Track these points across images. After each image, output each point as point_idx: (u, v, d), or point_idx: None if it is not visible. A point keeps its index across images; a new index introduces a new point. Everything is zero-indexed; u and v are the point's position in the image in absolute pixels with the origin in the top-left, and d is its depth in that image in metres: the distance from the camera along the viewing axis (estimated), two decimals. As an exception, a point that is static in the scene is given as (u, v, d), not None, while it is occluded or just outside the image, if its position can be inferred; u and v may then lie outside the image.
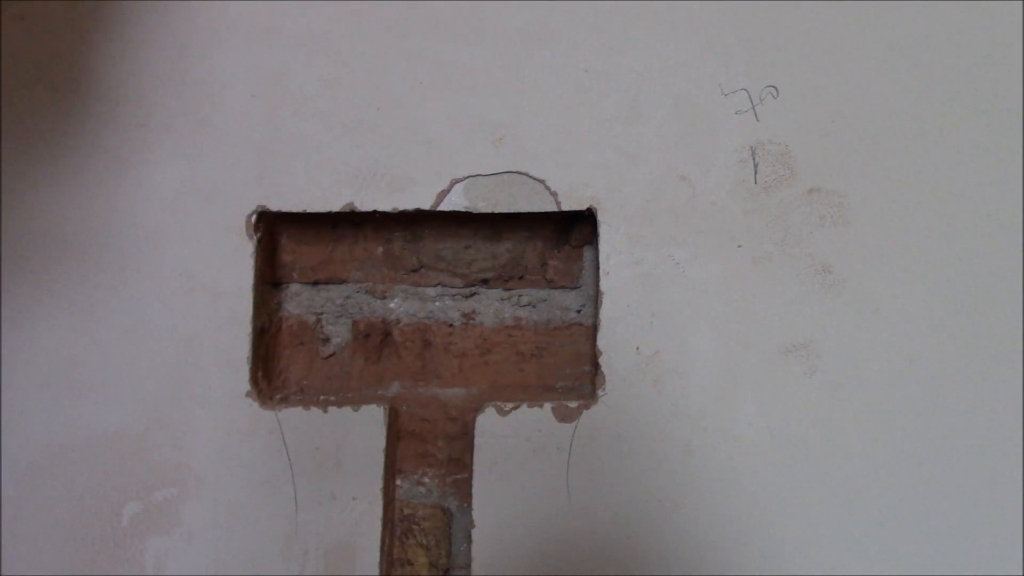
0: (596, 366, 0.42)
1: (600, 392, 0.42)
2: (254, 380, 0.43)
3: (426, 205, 0.43)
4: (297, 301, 0.46)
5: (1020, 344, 0.41)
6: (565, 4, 0.42)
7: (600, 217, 0.42)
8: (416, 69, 0.43)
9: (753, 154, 0.42)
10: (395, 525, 0.44)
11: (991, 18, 0.41)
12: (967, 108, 0.41)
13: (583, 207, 0.42)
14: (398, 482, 0.44)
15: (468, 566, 0.41)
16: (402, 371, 0.46)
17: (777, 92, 0.42)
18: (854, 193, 0.42)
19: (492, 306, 0.46)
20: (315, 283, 0.46)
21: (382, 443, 0.42)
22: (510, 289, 0.46)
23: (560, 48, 0.42)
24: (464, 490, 0.43)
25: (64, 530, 0.42)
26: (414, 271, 0.46)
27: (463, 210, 0.43)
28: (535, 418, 0.42)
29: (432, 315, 0.46)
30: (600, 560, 0.41)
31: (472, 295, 0.46)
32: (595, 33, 0.42)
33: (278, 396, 0.44)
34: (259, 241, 0.43)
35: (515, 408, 0.42)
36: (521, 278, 0.46)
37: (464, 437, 0.44)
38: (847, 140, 0.41)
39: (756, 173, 0.42)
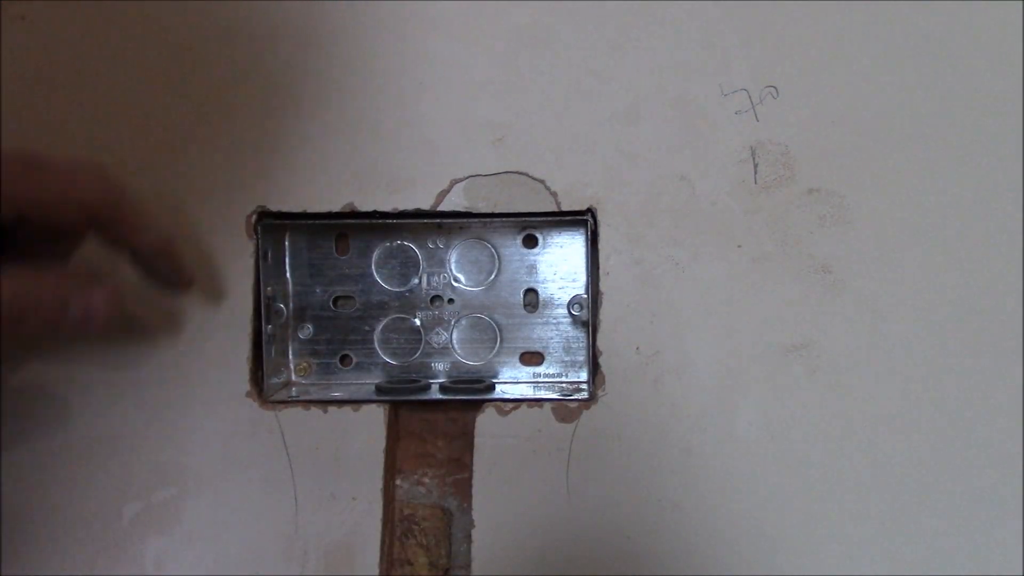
0: (596, 366, 0.42)
1: (600, 392, 0.42)
2: (254, 380, 0.43)
3: (426, 205, 0.43)
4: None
5: (1020, 344, 0.41)
6: (565, 4, 0.42)
7: (600, 217, 0.42)
8: (416, 69, 0.43)
9: (753, 154, 0.42)
10: (395, 525, 0.44)
11: (991, 18, 0.41)
12: (967, 108, 0.41)
13: (583, 207, 0.42)
14: (398, 482, 0.44)
15: (468, 566, 0.41)
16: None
17: (777, 92, 0.42)
18: (854, 193, 0.42)
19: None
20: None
21: (382, 443, 0.42)
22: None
23: (560, 48, 0.42)
24: (464, 490, 0.43)
25: (64, 530, 0.42)
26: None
27: (463, 210, 0.43)
28: (535, 418, 0.42)
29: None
30: (600, 560, 0.41)
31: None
32: (595, 33, 0.42)
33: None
34: (259, 241, 0.43)
35: (515, 408, 0.42)
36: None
37: (464, 437, 0.44)
38: (847, 140, 0.41)
39: (756, 173, 0.42)
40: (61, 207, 0.34)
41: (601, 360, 0.42)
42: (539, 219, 0.44)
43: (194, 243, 0.42)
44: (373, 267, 0.46)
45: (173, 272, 0.40)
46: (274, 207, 0.43)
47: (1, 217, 0.33)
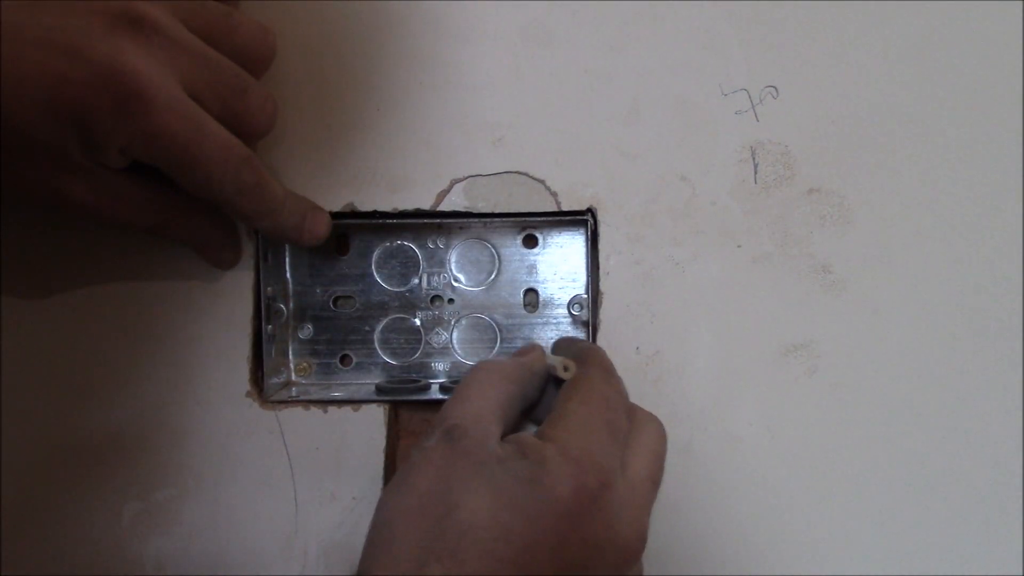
0: (596, 366, 0.42)
1: (600, 392, 0.42)
2: (254, 380, 0.43)
3: (426, 205, 0.43)
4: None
5: (1020, 344, 0.41)
6: (565, 4, 0.42)
7: (600, 217, 0.42)
8: (416, 69, 0.43)
9: (753, 154, 0.42)
10: (395, 525, 0.44)
11: (991, 18, 0.41)
12: (967, 108, 0.41)
13: (583, 207, 0.42)
14: (398, 482, 0.44)
15: (468, 566, 0.41)
16: (402, 371, 0.46)
17: (777, 92, 0.42)
18: (854, 193, 0.42)
19: (492, 306, 0.46)
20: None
21: (382, 443, 0.42)
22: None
23: (560, 48, 0.42)
24: (464, 490, 0.43)
25: (64, 530, 0.42)
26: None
27: (463, 210, 0.43)
28: (535, 418, 0.42)
29: (432, 315, 0.46)
30: (600, 560, 0.41)
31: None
32: (595, 33, 0.42)
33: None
34: (259, 241, 0.43)
35: (515, 408, 0.42)
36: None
37: (464, 437, 0.43)
38: (847, 140, 0.42)
39: (756, 173, 0.42)
40: (199, 190, 0.36)
41: (601, 360, 0.42)
42: (539, 219, 0.44)
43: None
44: (373, 267, 0.46)
45: (282, 239, 0.43)
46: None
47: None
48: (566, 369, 0.36)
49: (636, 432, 0.35)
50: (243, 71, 0.37)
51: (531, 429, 0.41)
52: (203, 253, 0.41)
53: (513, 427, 0.35)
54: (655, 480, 0.35)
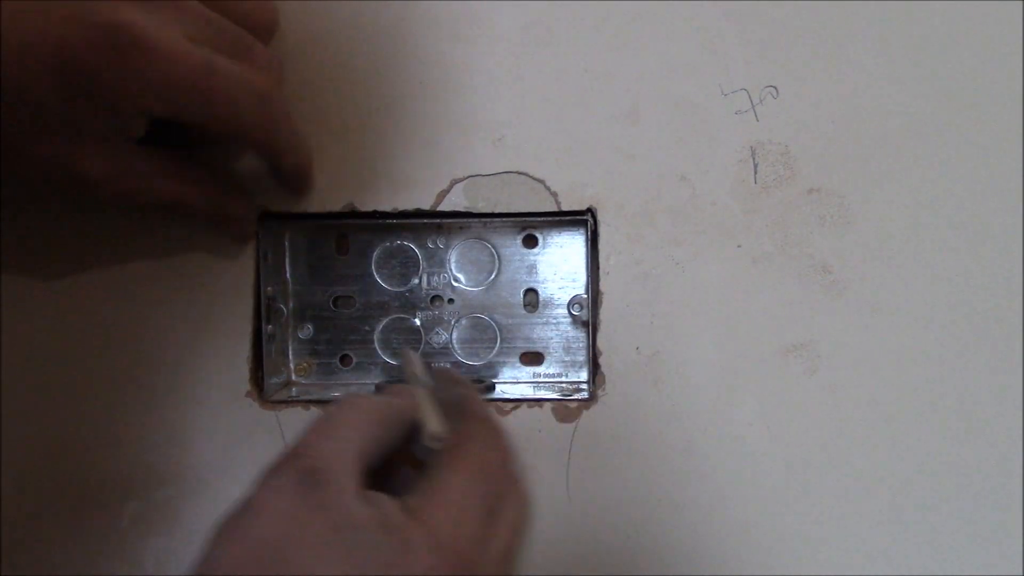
0: (596, 366, 0.42)
1: (600, 392, 0.42)
2: (254, 380, 0.43)
3: (426, 205, 0.43)
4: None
5: (1020, 344, 0.41)
6: (565, 4, 0.42)
7: (600, 217, 0.42)
8: (416, 69, 0.43)
9: (753, 154, 0.42)
10: (395, 525, 0.44)
11: (991, 18, 0.41)
12: (967, 108, 0.41)
13: (583, 207, 0.42)
14: (398, 482, 0.44)
15: (468, 566, 0.41)
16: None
17: (777, 92, 0.42)
18: (854, 193, 0.42)
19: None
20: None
21: (382, 443, 0.42)
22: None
23: (560, 48, 0.42)
24: (464, 490, 0.43)
25: (64, 530, 0.42)
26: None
27: (463, 210, 0.43)
28: (535, 418, 0.42)
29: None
30: (600, 560, 0.41)
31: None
32: (595, 33, 0.42)
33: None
34: (259, 241, 0.43)
35: (515, 408, 0.42)
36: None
37: (464, 437, 0.43)
38: (847, 140, 0.42)
39: (756, 173, 0.42)
40: (226, 126, 0.36)
41: (601, 360, 0.42)
42: (539, 219, 0.44)
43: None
44: (373, 267, 0.46)
45: (299, 181, 0.42)
46: (274, 207, 0.43)
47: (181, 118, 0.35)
48: (438, 440, 0.33)
49: (504, 502, 0.33)
50: (246, 33, 0.37)
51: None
52: (220, 227, 0.41)
53: (375, 470, 0.32)
54: (512, 558, 0.32)
